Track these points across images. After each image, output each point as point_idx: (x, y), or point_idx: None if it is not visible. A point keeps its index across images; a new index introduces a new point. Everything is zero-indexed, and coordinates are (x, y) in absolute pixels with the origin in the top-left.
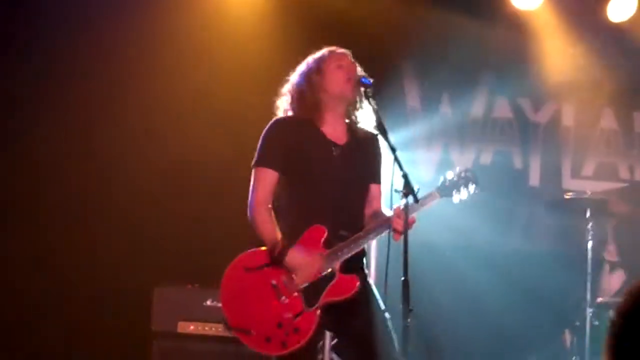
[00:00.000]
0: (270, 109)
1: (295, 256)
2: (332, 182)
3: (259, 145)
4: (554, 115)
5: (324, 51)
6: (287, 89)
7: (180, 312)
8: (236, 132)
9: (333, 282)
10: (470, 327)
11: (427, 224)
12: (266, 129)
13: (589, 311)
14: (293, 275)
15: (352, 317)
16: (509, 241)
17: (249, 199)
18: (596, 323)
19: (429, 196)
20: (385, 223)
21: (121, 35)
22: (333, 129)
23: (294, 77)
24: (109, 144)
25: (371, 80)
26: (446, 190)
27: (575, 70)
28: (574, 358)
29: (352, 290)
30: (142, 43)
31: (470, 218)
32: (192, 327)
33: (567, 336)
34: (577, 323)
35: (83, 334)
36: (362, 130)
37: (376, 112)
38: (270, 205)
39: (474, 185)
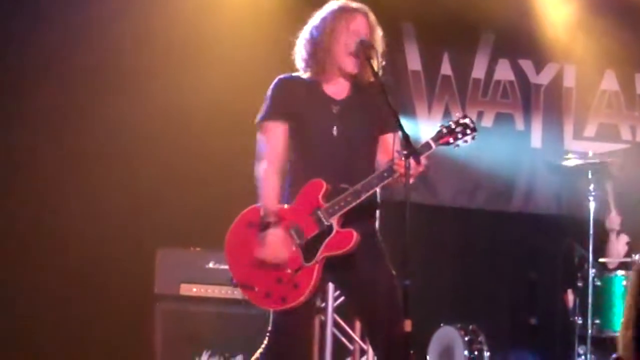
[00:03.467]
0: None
1: (275, 234)
2: (331, 140)
3: (265, 102)
4: (556, 76)
5: (343, 7)
6: (302, 37)
7: (183, 274)
8: (240, 91)
9: (331, 236)
10: (470, 288)
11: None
12: (271, 86)
13: (592, 271)
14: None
15: (352, 271)
16: (511, 203)
17: (258, 154)
18: (598, 283)
19: (423, 147)
20: (383, 172)
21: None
22: (335, 85)
23: (310, 28)
24: (111, 107)
25: (370, 43)
26: (442, 137)
27: (576, 32)
28: (576, 318)
29: (350, 244)
30: (142, 42)
31: (473, 179)
32: (194, 290)
33: (570, 296)
34: (580, 283)
35: (85, 297)
36: (367, 81)
37: (376, 74)
38: (279, 162)
39: (472, 133)
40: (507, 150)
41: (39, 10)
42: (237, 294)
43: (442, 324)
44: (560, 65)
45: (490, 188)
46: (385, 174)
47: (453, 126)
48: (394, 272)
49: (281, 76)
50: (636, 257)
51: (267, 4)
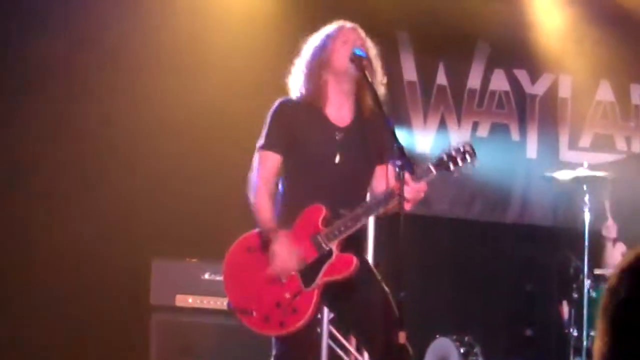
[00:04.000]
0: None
1: (280, 244)
2: (333, 168)
3: (264, 127)
4: (551, 87)
5: (332, 27)
6: (299, 63)
7: (179, 285)
8: (236, 100)
9: (331, 261)
10: (466, 299)
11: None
12: (272, 110)
13: (587, 283)
14: (275, 260)
15: (350, 295)
16: (507, 214)
17: (251, 179)
18: (593, 295)
19: (424, 171)
20: (382, 197)
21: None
22: (337, 111)
23: (304, 54)
24: (104, 117)
25: (366, 53)
26: (444, 164)
27: (572, 42)
28: (571, 330)
29: (350, 269)
30: (141, 41)
31: (469, 190)
32: (190, 301)
33: (565, 307)
34: (575, 295)
35: (81, 308)
36: (370, 107)
37: (371, 85)
38: (271, 188)
39: (472, 159)
40: (503, 161)
41: (37, 12)
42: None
43: (437, 336)
44: (556, 75)
45: (486, 199)
46: (386, 199)
47: (454, 153)
48: (386, 289)
49: (282, 100)
50: None
51: (262, 8)
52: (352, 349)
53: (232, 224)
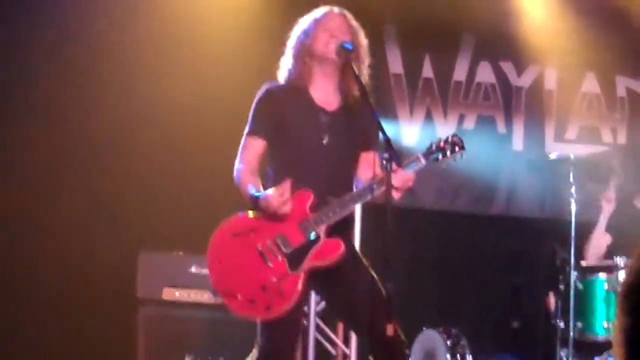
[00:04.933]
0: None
1: (267, 194)
2: (321, 149)
3: (250, 113)
4: (537, 79)
5: (320, 11)
6: (288, 44)
7: (166, 278)
8: (225, 94)
9: (317, 246)
10: (453, 291)
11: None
12: (257, 96)
13: (573, 274)
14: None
15: (337, 281)
16: (493, 206)
17: (236, 164)
18: (580, 286)
19: (413, 160)
20: (370, 184)
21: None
22: (324, 95)
23: (292, 37)
24: (95, 110)
25: (352, 46)
26: (432, 155)
27: (557, 34)
28: (558, 321)
29: (336, 254)
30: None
31: (454, 182)
32: (177, 294)
33: (551, 299)
34: (561, 286)
35: (67, 301)
36: (355, 96)
37: (357, 77)
38: (252, 168)
39: (460, 151)
40: (489, 153)
41: (31, 9)
42: (219, 298)
43: (424, 328)
44: (542, 67)
45: (472, 191)
46: (375, 187)
47: (442, 144)
48: (374, 274)
49: (267, 86)
50: (617, 259)
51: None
52: (339, 342)
53: (220, 217)
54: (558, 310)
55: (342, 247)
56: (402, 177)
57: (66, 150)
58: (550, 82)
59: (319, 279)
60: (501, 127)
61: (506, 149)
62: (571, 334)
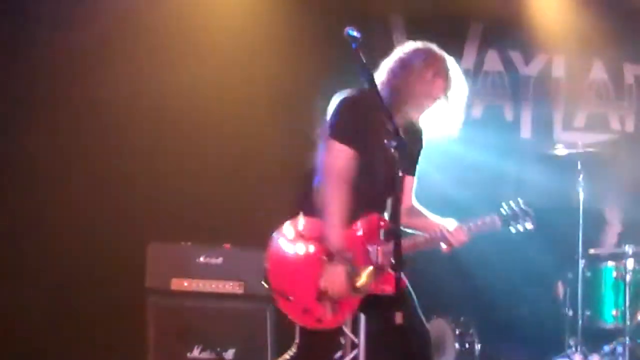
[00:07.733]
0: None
1: (340, 272)
2: (387, 173)
3: (342, 117)
4: (545, 67)
5: (429, 55)
6: (386, 66)
7: (174, 268)
8: (232, 87)
9: (382, 277)
10: (461, 280)
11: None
12: (350, 103)
13: (581, 263)
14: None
15: (392, 310)
16: (501, 194)
17: (327, 167)
18: (588, 275)
19: (490, 221)
20: (437, 238)
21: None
22: (399, 120)
23: (396, 61)
24: (100, 102)
25: (358, 34)
26: (507, 219)
27: (565, 22)
28: (566, 310)
29: (395, 290)
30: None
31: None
32: (186, 284)
33: (560, 288)
34: (570, 275)
35: (76, 291)
36: (410, 121)
37: (365, 66)
38: (348, 189)
39: (530, 221)
40: (497, 142)
41: (30, 9)
42: (228, 288)
43: (433, 317)
44: (549, 56)
45: (480, 179)
46: (433, 240)
47: (517, 212)
48: (424, 321)
49: (354, 95)
50: (626, 247)
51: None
52: (347, 331)
53: (228, 208)
54: (566, 298)
55: (403, 285)
56: (459, 240)
57: (73, 143)
58: (558, 70)
59: (371, 304)
60: (509, 116)
61: (514, 137)
62: (580, 322)
